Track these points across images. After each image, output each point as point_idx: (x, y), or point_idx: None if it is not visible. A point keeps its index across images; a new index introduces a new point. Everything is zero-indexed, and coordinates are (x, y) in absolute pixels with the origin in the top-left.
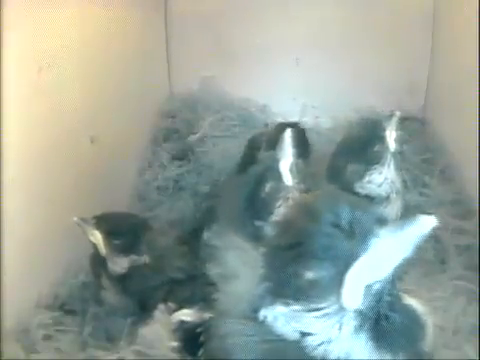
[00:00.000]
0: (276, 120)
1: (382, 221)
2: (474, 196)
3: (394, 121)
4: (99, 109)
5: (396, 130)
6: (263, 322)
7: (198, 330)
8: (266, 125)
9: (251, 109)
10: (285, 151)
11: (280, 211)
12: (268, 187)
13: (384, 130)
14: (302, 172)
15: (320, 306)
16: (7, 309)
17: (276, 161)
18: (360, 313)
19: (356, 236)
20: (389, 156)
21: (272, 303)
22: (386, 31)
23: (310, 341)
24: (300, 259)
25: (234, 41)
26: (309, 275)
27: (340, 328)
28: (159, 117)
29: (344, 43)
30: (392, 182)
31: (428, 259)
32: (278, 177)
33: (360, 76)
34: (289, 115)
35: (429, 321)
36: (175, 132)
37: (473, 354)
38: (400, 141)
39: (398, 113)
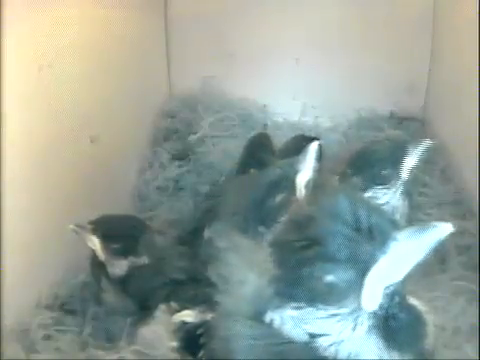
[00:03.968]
0: (276, 120)
1: (396, 224)
2: (474, 196)
3: (420, 149)
4: (99, 109)
5: (420, 159)
6: (269, 324)
7: (199, 331)
8: (265, 125)
9: (251, 109)
10: (307, 164)
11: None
12: (279, 197)
13: (404, 155)
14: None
15: (337, 308)
16: (7, 309)
17: (294, 172)
18: (374, 314)
19: (375, 238)
20: (398, 183)
21: (281, 306)
22: (386, 31)
23: (321, 342)
24: (317, 261)
25: (234, 41)
26: (328, 278)
27: (354, 329)
28: (159, 117)
29: (344, 43)
30: (395, 207)
31: (428, 259)
32: (291, 189)
33: (360, 76)
34: (289, 115)
35: (430, 320)
36: (175, 132)
37: (473, 354)
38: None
39: (430, 142)
